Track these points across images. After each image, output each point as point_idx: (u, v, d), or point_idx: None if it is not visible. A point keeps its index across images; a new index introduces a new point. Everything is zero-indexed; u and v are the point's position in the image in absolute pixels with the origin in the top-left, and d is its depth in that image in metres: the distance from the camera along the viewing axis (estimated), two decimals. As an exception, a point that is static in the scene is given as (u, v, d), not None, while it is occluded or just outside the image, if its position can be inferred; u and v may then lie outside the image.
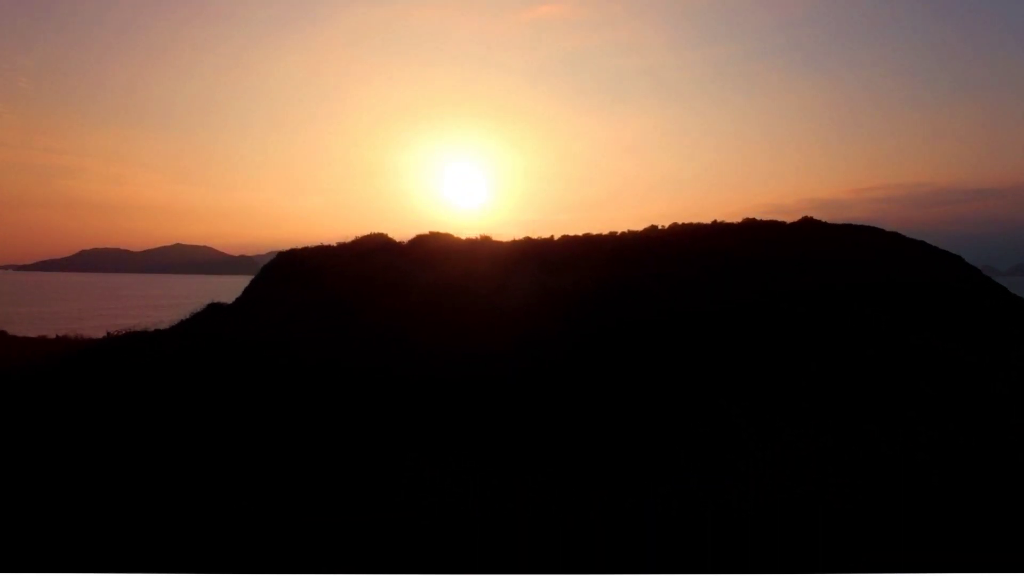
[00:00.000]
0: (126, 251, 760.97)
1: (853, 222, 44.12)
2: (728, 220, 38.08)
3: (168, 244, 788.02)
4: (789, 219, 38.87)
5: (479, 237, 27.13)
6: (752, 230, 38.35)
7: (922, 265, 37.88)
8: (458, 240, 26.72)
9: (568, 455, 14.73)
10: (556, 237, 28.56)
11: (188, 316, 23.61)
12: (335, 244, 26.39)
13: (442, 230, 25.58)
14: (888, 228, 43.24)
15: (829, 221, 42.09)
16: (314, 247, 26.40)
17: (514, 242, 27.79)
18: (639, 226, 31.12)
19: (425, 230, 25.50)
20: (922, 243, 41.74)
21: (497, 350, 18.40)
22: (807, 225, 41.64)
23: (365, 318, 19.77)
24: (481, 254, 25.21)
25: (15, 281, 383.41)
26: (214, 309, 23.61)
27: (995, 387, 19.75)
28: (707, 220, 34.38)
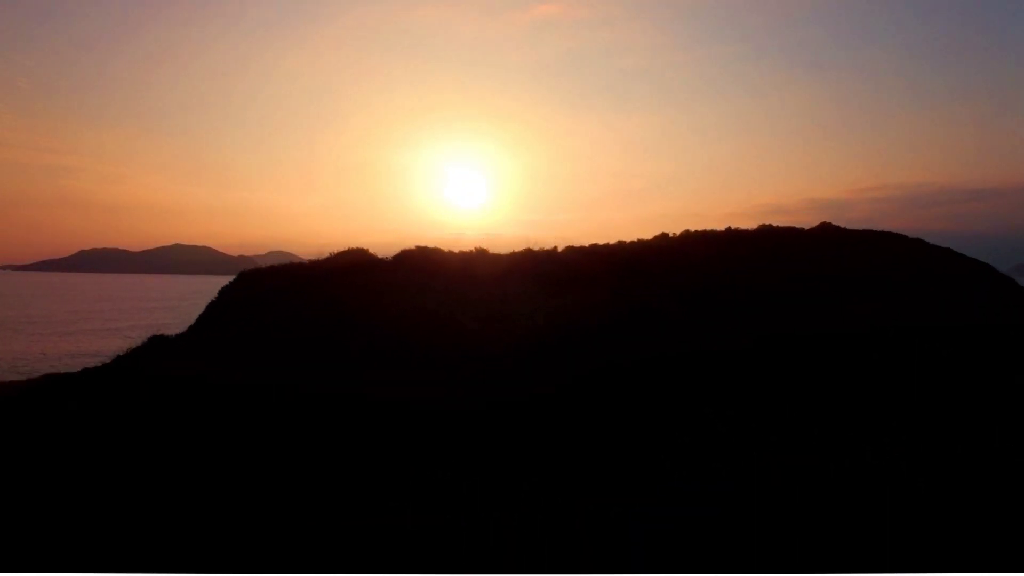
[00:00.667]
0: (125, 251, 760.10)
1: (854, 223, 42.14)
2: (742, 227, 35.79)
3: (167, 244, 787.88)
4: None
5: (473, 250, 24.43)
6: (768, 238, 36.11)
7: (947, 272, 35.75)
8: (449, 255, 23.81)
9: (556, 466, 14.34)
10: (560, 248, 26.01)
11: (125, 351, 20.68)
12: (307, 261, 23.70)
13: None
14: (888, 228, 41.40)
15: (838, 224, 40.27)
16: (281, 265, 23.67)
17: (513, 254, 25.11)
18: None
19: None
20: (948, 250, 39.66)
21: (489, 383, 15.97)
22: (825, 231, 39.46)
23: (336, 348, 17.32)
24: (476, 270, 22.46)
25: (12, 282, 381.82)
26: (157, 342, 20.76)
27: (1000, 393, 18.89)
28: (715, 224, 32.19)
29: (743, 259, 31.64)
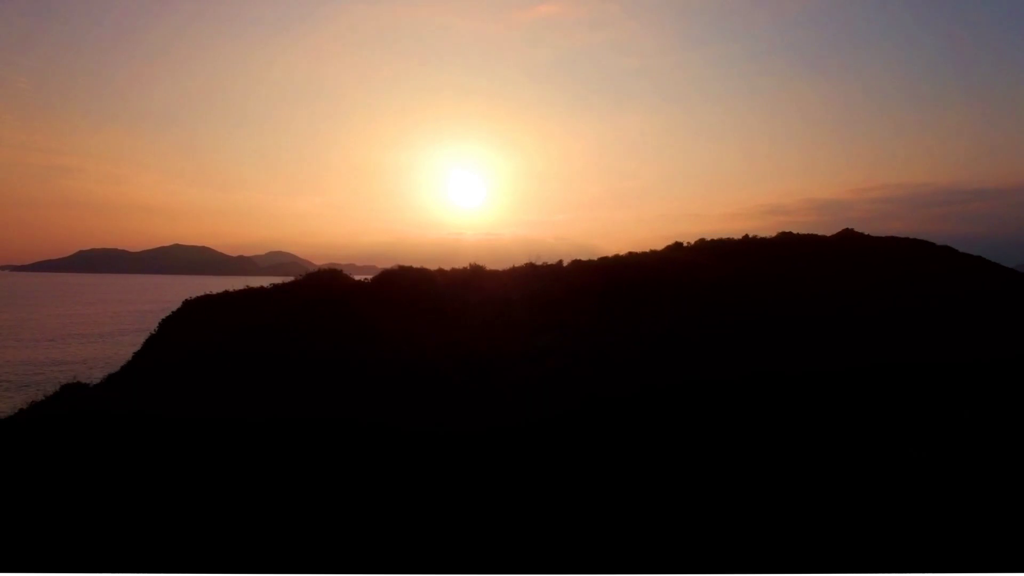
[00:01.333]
0: (124, 252, 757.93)
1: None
2: (760, 234, 33.10)
3: (166, 244, 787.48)
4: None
5: (468, 268, 21.48)
6: (788, 246, 33.46)
7: (981, 287, 33.11)
8: (438, 276, 20.77)
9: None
10: (565, 262, 23.21)
11: (26, 406, 17.39)
12: (268, 286, 20.69)
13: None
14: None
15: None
16: (237, 292, 20.61)
17: (513, 271, 22.35)
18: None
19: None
20: (979, 258, 37.11)
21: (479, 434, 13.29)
22: (847, 239, 36.86)
23: (294, 400, 14.60)
24: (468, 295, 19.52)
25: (9, 283, 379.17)
26: (70, 391, 17.53)
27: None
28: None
29: (764, 273, 28.99)
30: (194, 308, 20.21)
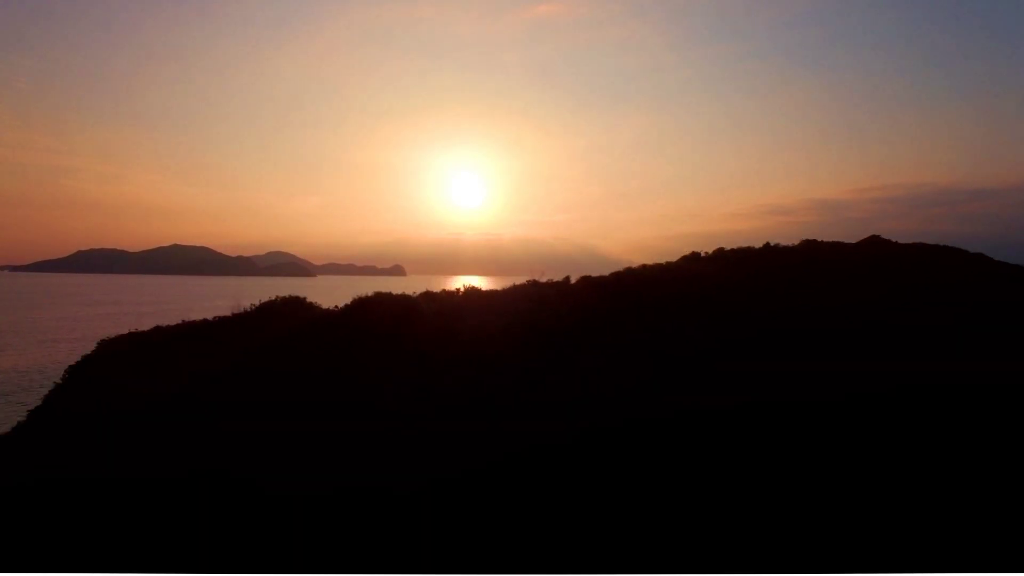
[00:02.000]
0: (123, 252, 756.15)
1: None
2: (784, 243, 30.71)
3: (166, 245, 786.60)
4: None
5: (460, 290, 19.05)
6: (812, 253, 31.15)
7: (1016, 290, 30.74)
8: (423, 303, 18.17)
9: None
10: (573, 279, 20.76)
11: None
12: (212, 319, 18.04)
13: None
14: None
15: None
16: (170, 326, 17.88)
17: (514, 289, 19.90)
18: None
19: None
20: (1017, 267, 34.79)
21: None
22: (874, 247, 34.55)
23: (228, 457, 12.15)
24: (463, 320, 17.03)
25: (9, 283, 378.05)
26: None
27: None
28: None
29: (787, 283, 26.64)
30: (115, 346, 17.56)
